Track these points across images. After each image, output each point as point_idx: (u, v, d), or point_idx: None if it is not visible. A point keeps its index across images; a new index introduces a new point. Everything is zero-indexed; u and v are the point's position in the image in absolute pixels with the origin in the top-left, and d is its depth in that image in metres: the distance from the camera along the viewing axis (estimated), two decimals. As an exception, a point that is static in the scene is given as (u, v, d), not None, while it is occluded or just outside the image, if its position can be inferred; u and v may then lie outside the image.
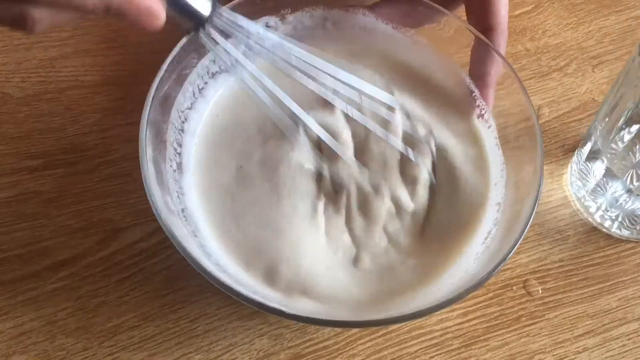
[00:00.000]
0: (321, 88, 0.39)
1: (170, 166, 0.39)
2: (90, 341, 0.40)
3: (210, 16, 0.35)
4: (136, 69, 0.51)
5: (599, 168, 0.45)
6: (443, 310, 0.41)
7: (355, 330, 0.42)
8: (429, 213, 0.41)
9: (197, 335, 0.41)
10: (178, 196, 0.39)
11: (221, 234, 0.39)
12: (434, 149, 0.42)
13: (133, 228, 0.44)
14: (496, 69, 0.42)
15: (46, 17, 0.30)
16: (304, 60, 0.38)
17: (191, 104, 0.42)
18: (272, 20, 0.44)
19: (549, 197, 0.48)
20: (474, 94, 0.44)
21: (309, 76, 0.38)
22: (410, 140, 0.42)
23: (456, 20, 0.43)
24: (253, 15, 0.43)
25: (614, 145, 0.44)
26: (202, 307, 0.42)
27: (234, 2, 0.41)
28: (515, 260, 0.45)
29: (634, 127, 0.43)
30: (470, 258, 0.39)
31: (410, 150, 0.41)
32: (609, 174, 0.45)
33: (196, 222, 0.39)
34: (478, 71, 0.43)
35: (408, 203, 0.41)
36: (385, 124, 0.41)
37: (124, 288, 0.42)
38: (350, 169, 0.41)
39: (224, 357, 0.41)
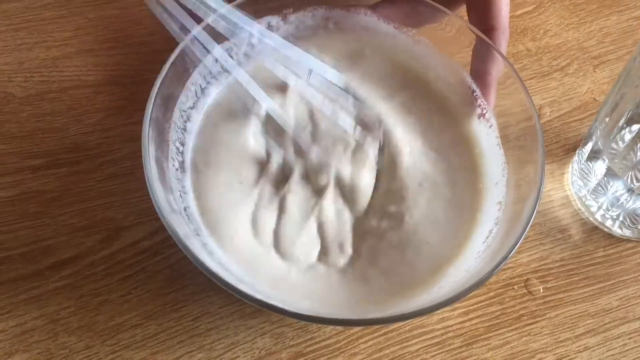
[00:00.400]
0: (273, 63, 0.40)
1: (173, 165, 0.40)
2: (93, 339, 0.41)
3: None
4: (139, 68, 0.51)
5: (600, 167, 0.45)
6: (444, 309, 0.41)
7: (356, 329, 0.42)
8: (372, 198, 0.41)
9: (199, 333, 0.41)
10: (180, 195, 0.39)
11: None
12: (381, 135, 0.42)
13: (135, 227, 0.44)
14: (497, 69, 0.42)
15: None
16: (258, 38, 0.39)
17: (193, 103, 0.42)
18: (274, 20, 0.44)
19: (550, 197, 0.48)
20: (475, 94, 0.44)
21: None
22: (361, 123, 0.42)
23: (458, 20, 0.43)
24: (255, 15, 0.43)
25: (615, 145, 0.44)
26: (205, 306, 0.42)
27: (236, 2, 0.42)
28: (516, 260, 0.45)
29: (635, 127, 0.43)
30: (472, 257, 0.39)
31: (357, 129, 0.41)
32: (610, 173, 0.45)
33: (198, 220, 0.39)
34: (479, 71, 0.43)
35: (352, 182, 0.41)
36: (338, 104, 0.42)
37: (127, 287, 0.42)
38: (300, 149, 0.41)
39: (226, 356, 0.41)
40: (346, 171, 0.41)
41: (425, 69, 0.46)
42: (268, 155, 0.42)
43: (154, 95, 0.38)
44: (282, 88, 0.43)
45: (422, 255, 0.39)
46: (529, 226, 0.36)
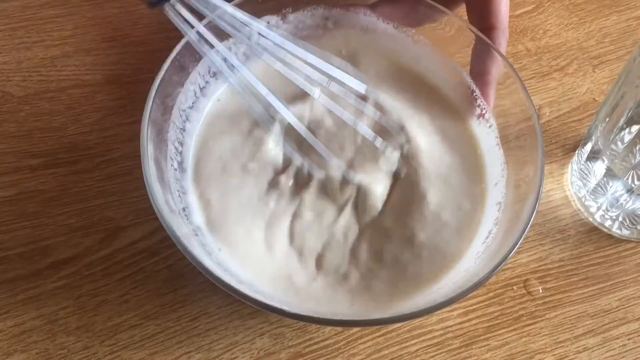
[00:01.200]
0: (292, 73, 0.38)
1: (172, 165, 0.39)
2: (91, 340, 0.41)
3: None
4: (137, 67, 0.51)
5: (599, 168, 0.45)
6: (443, 310, 0.41)
7: (355, 329, 0.42)
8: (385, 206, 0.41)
9: (198, 334, 0.41)
10: (179, 195, 0.39)
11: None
12: (404, 142, 0.42)
13: (134, 227, 0.44)
14: (497, 69, 0.42)
15: None
16: (274, 44, 0.37)
17: (192, 103, 0.42)
18: (274, 19, 0.44)
19: (550, 197, 0.48)
20: (474, 94, 0.44)
21: (279, 59, 0.38)
22: (381, 130, 0.42)
23: (457, 19, 0.43)
24: (254, 15, 0.43)
25: (614, 146, 0.44)
26: (203, 306, 0.42)
27: (234, 1, 0.41)
28: (515, 260, 0.45)
29: (635, 127, 0.43)
30: (471, 257, 0.39)
31: (378, 138, 0.41)
32: (609, 173, 0.45)
33: (197, 221, 0.39)
34: (479, 70, 0.43)
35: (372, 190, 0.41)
36: (358, 113, 0.42)
37: (125, 287, 0.42)
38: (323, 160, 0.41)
39: (225, 356, 0.41)
40: (364, 180, 0.41)
41: (425, 69, 0.46)
42: (285, 163, 0.41)
43: (153, 94, 0.37)
44: (301, 97, 0.42)
45: (424, 257, 0.39)
46: (528, 227, 0.36)
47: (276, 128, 0.41)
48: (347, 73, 0.39)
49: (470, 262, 0.38)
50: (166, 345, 0.41)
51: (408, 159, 0.42)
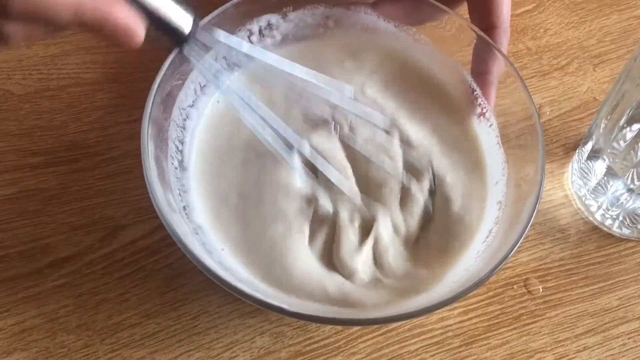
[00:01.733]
0: (314, 108, 0.38)
1: (172, 164, 0.39)
2: (92, 338, 0.41)
3: (192, 33, 0.35)
4: (137, 66, 0.51)
5: (600, 167, 0.45)
6: (444, 309, 0.41)
7: (356, 328, 0.42)
8: (420, 237, 0.40)
9: (198, 332, 0.41)
10: (180, 193, 0.39)
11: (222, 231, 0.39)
12: (432, 176, 0.41)
13: (134, 225, 0.44)
14: (498, 68, 0.42)
15: (19, 31, 0.30)
16: (292, 74, 0.37)
17: (193, 101, 0.42)
18: (274, 18, 0.44)
19: (550, 196, 0.48)
20: (475, 93, 0.43)
21: (299, 94, 0.38)
22: (409, 165, 0.41)
23: (458, 18, 0.43)
24: (255, 14, 0.43)
25: (615, 145, 0.44)
26: (203, 305, 0.42)
27: (235, 0, 0.41)
28: (516, 259, 0.45)
29: (636, 126, 0.43)
30: (471, 256, 0.39)
31: (406, 176, 0.40)
32: (610, 173, 0.45)
33: (197, 219, 0.39)
34: (480, 69, 0.43)
35: (402, 228, 0.40)
36: (383, 148, 0.41)
37: (125, 285, 0.42)
38: (346, 195, 0.40)
39: (225, 355, 0.41)
40: (396, 218, 0.40)
41: (425, 68, 0.45)
42: (312, 196, 0.40)
43: (153, 93, 0.37)
44: (322, 125, 0.42)
45: (430, 256, 0.39)
46: (529, 226, 0.36)
47: (296, 162, 0.40)
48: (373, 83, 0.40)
49: (471, 261, 0.38)
50: (166, 343, 0.41)
51: (441, 198, 0.41)
